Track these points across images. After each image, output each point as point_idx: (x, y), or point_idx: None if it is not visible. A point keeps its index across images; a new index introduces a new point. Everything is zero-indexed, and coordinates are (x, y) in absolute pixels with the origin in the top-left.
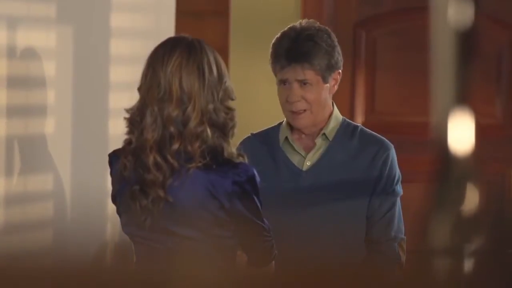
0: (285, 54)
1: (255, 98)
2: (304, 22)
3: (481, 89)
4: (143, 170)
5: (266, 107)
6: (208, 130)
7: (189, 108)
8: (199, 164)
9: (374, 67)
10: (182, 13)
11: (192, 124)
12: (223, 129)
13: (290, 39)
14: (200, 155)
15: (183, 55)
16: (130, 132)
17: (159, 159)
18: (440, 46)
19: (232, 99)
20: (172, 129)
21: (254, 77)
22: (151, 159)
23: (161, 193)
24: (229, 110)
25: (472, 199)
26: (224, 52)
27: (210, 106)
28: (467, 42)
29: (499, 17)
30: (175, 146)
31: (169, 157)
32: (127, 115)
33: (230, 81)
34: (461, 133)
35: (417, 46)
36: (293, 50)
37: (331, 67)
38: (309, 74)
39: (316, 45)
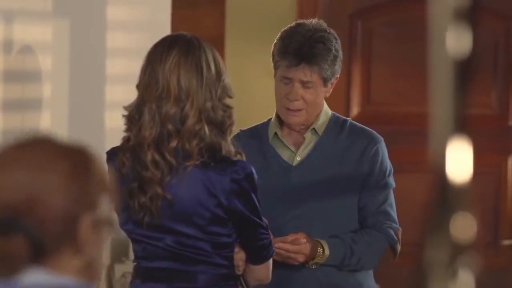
0: (295, 53)
1: (251, 87)
2: (314, 22)
3: (477, 79)
4: (141, 168)
5: (262, 96)
6: (206, 128)
7: (187, 106)
8: (197, 162)
9: (370, 58)
10: (178, 3)
11: (190, 122)
12: (221, 127)
13: (303, 38)
14: (198, 153)
15: (182, 53)
16: (128, 129)
17: (157, 156)
18: (438, 74)
19: (231, 97)
20: (170, 126)
21: (250, 66)
22: (149, 157)
23: (159, 190)
24: (227, 108)
25: (468, 228)
26: (220, 41)
27: (208, 104)
28: (465, 70)
29: (495, 8)
30: (173, 143)
31: (167, 154)
32: (125, 112)
33: (229, 79)
34: (459, 162)
35: (413, 37)
36: (305, 50)
37: (333, 73)
38: (315, 77)
39: (327, 49)
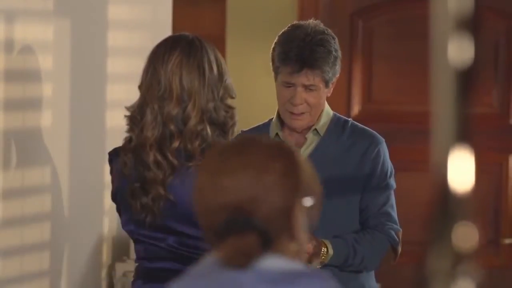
0: (297, 59)
1: (251, 86)
2: (311, 23)
3: (478, 87)
4: (143, 168)
5: (262, 95)
6: (208, 129)
7: (189, 107)
8: (199, 163)
9: (371, 57)
10: (179, 1)
11: (192, 122)
12: (223, 127)
13: (303, 42)
14: (200, 154)
15: (184, 54)
16: (130, 130)
17: (159, 157)
18: (440, 83)
19: (233, 97)
20: (172, 127)
21: (251, 65)
22: (151, 157)
23: (161, 191)
24: (229, 108)
25: (469, 237)
26: (220, 40)
27: (210, 105)
28: (467, 79)
29: (495, 7)
30: (175, 144)
31: (169, 155)
32: (127, 113)
33: (231, 79)
34: (461, 171)
35: (413, 35)
36: (306, 54)
37: (334, 74)
38: (317, 80)
39: (328, 52)
